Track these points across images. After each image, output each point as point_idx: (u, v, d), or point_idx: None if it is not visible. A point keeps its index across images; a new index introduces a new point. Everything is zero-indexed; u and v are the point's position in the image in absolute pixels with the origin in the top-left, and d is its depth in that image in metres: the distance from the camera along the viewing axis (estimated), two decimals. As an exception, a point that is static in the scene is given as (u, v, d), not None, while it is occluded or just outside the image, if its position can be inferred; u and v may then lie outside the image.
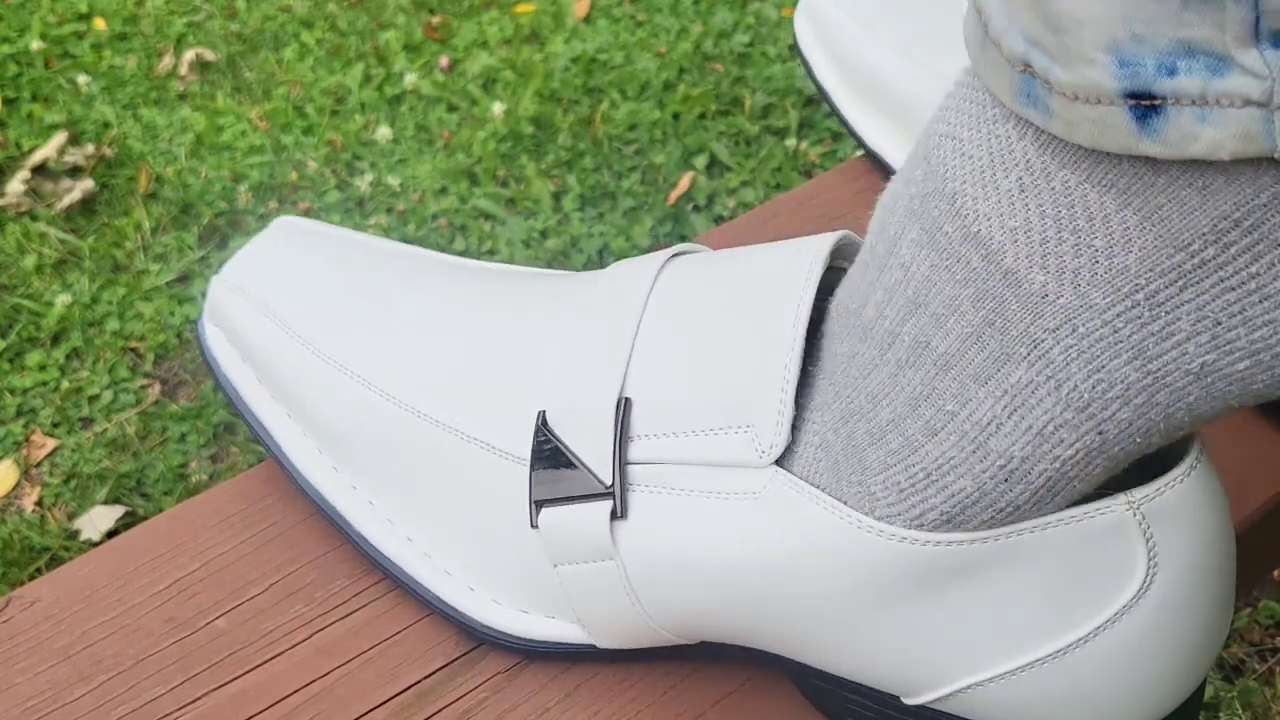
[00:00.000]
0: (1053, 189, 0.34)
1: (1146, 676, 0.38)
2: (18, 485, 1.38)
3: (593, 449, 0.41)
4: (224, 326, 0.48)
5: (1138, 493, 0.36)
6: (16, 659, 0.45)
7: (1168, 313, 0.33)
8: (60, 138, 1.75)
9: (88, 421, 1.45)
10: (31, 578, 1.17)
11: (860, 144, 0.65)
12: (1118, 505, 0.36)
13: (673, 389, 0.41)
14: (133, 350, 1.53)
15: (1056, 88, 0.32)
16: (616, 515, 0.40)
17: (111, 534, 1.33)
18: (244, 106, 1.81)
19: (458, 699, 0.45)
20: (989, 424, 0.35)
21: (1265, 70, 0.29)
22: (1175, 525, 0.36)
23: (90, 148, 1.74)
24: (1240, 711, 1.27)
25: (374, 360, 0.46)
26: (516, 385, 0.44)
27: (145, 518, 1.33)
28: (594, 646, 0.44)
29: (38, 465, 1.40)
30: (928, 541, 0.37)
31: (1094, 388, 0.34)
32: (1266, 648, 1.35)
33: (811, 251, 0.41)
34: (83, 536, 1.32)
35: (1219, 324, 0.33)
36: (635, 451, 0.41)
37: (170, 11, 1.98)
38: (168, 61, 1.88)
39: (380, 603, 0.47)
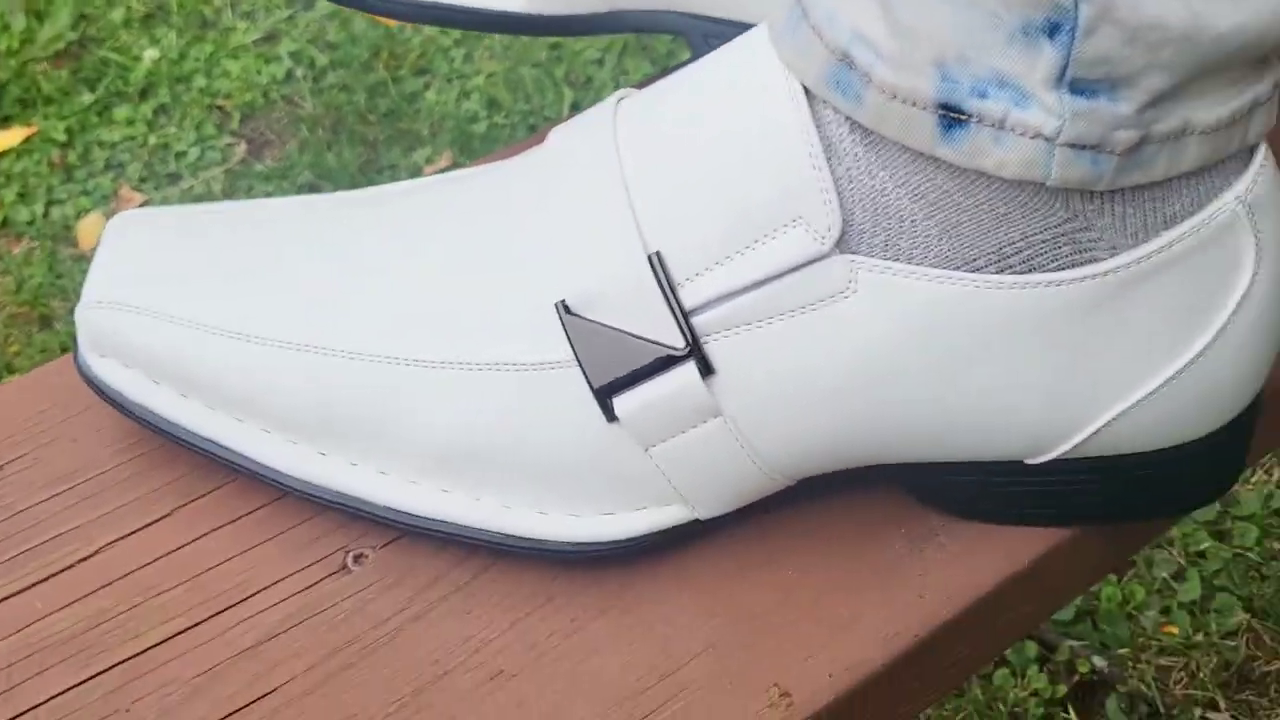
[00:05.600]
0: (872, 186, 0.37)
1: (1260, 356, 0.40)
2: (106, 238, 1.40)
3: (646, 317, 0.38)
4: (114, 353, 0.42)
5: (1240, 185, 0.37)
6: None
7: None
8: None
9: (174, 178, 1.46)
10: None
11: None
12: (1229, 202, 0.37)
13: (697, 223, 0.38)
14: (219, 108, 1.53)
15: (876, 83, 0.36)
16: (705, 373, 0.38)
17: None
18: None
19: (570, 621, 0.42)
20: None
21: (1060, 111, 0.34)
22: (1270, 211, 0.38)
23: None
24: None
25: (322, 323, 0.41)
26: (512, 293, 0.40)
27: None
28: (697, 522, 0.42)
29: (126, 219, 1.41)
30: (1053, 282, 0.37)
31: None
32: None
33: (762, 41, 0.39)
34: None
35: None
36: (689, 299, 0.38)
37: None
38: None
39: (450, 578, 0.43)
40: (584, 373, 0.39)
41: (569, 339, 0.39)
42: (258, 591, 0.42)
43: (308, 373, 0.41)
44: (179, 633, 0.41)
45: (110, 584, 0.42)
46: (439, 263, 0.41)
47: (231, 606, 0.42)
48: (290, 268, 0.43)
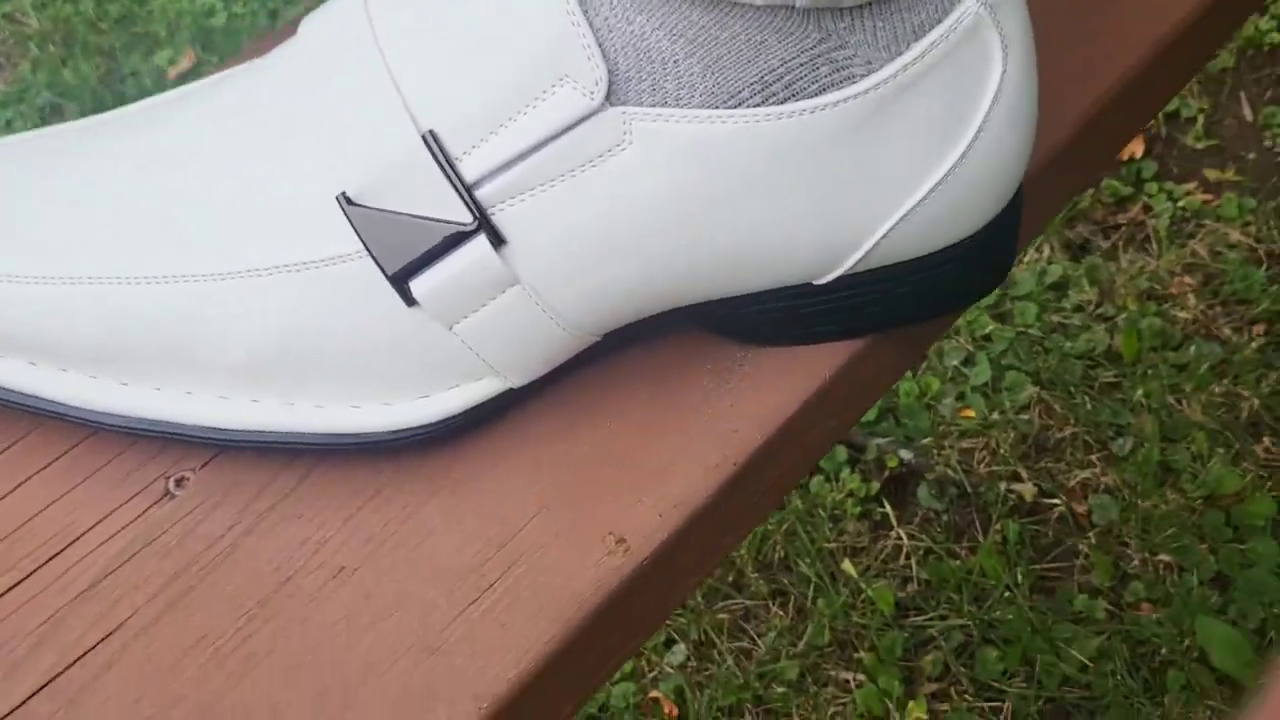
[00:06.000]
0: (631, 31, 0.37)
1: (1019, 149, 0.42)
2: None
3: (430, 197, 0.38)
4: None
5: None
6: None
7: None
8: None
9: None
10: None
11: None
12: (971, 5, 0.39)
13: (464, 96, 0.38)
14: (-63, 37, 1.44)
15: None
16: (496, 244, 0.39)
17: None
18: None
19: (402, 510, 0.43)
20: None
21: None
22: (1011, 9, 0.40)
23: None
24: (1088, 287, 1.33)
25: (102, 254, 0.40)
26: (292, 193, 0.39)
27: None
28: (511, 391, 0.42)
29: None
30: (815, 108, 0.38)
31: None
32: (1109, 225, 1.40)
33: None
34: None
35: None
36: (469, 173, 0.38)
37: None
38: None
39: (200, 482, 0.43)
40: (376, 262, 0.39)
41: (355, 230, 0.39)
42: (85, 532, 0.42)
43: (95, 305, 0.40)
44: (12, 586, 0.41)
45: (-72, 551, 0.41)
46: (208, 174, 0.41)
47: (60, 552, 0.41)
48: (57, 203, 0.42)
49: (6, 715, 0.39)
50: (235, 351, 0.40)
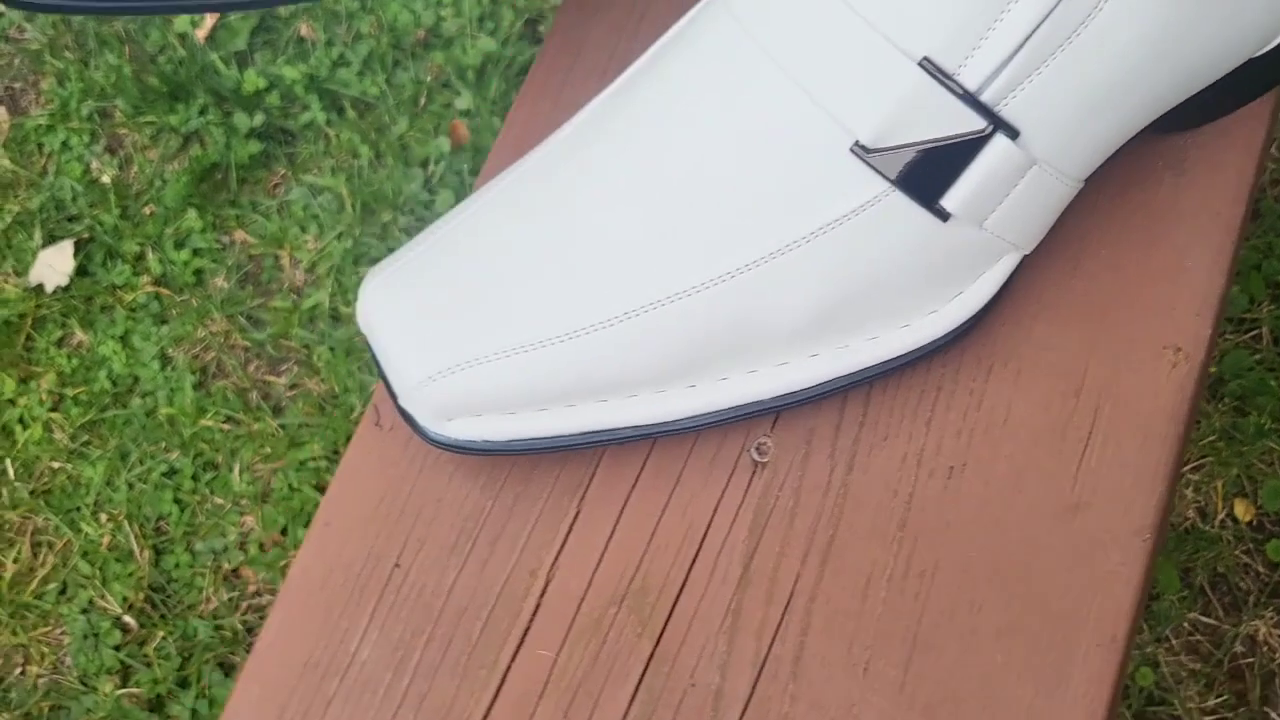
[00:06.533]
0: None
1: None
2: None
3: (939, 118, 0.40)
4: (461, 413, 0.44)
5: None
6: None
7: None
8: None
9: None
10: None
11: None
12: None
13: (945, 11, 0.40)
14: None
15: None
16: (1012, 136, 0.41)
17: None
18: None
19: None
20: None
21: None
22: None
23: None
24: None
25: (642, 281, 0.43)
26: (805, 155, 0.41)
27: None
28: (1023, 256, 0.45)
29: None
30: None
31: None
32: None
33: None
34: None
35: None
36: (970, 82, 0.40)
37: None
38: None
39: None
40: (909, 196, 0.41)
41: (880, 174, 0.41)
42: (708, 526, 0.45)
43: (653, 332, 0.43)
44: (677, 597, 0.45)
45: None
46: (699, 179, 0.43)
47: (698, 552, 0.45)
48: (566, 250, 0.44)
49: (745, 705, 0.43)
50: (796, 318, 0.43)
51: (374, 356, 0.46)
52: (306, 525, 1.12)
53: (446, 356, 0.43)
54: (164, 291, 1.26)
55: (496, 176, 0.47)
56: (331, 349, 1.17)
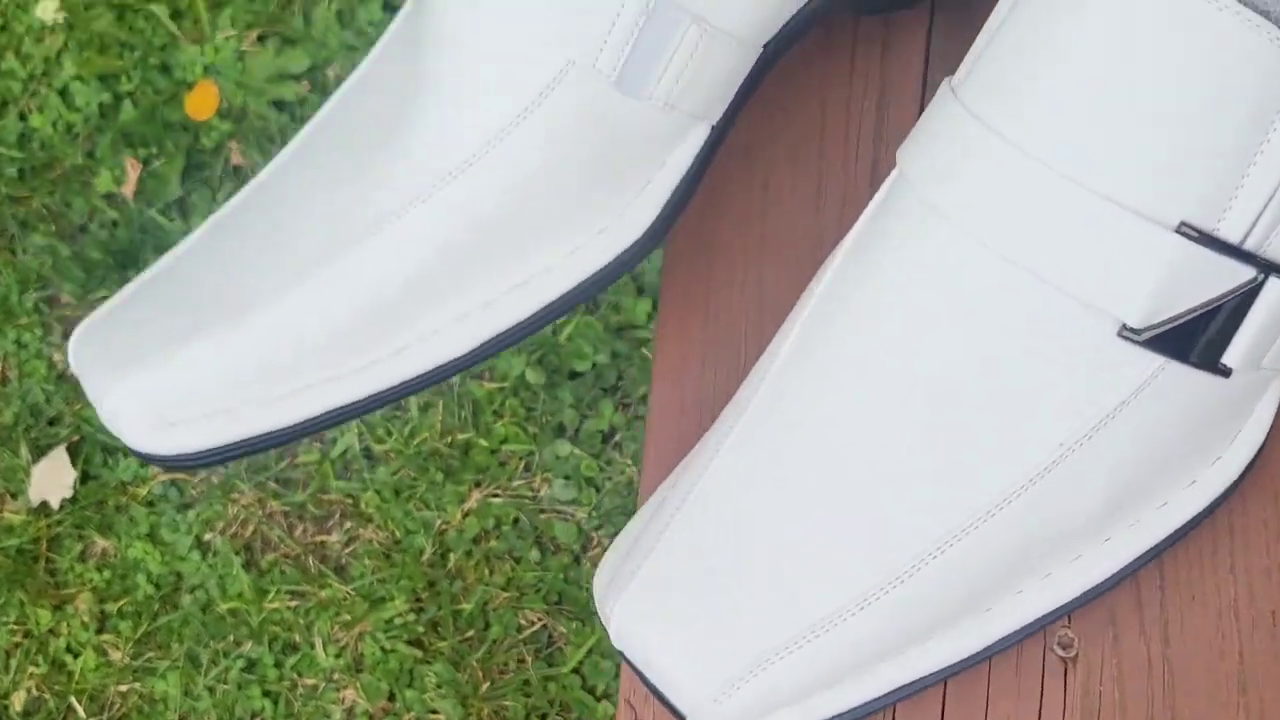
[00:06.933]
0: None
1: None
2: None
3: (1206, 280, 0.36)
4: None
5: None
6: None
7: None
8: None
9: None
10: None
11: None
12: None
13: (1192, 172, 0.35)
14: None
15: None
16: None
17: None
18: None
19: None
20: None
21: None
22: None
23: None
24: None
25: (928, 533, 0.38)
26: (1066, 349, 0.37)
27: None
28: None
29: None
30: None
31: None
32: None
33: None
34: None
35: None
36: (1232, 235, 0.36)
37: None
38: None
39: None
40: (1190, 365, 0.37)
41: (1154, 352, 0.37)
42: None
43: (956, 567, 0.38)
44: None
45: None
46: (969, 384, 0.38)
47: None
48: (833, 504, 0.39)
49: None
50: (1090, 509, 0.39)
51: (644, 678, 0.39)
52: (411, 685, 1.06)
53: (734, 665, 0.38)
54: (179, 476, 1.18)
55: (698, 444, 0.42)
56: (378, 491, 1.10)
